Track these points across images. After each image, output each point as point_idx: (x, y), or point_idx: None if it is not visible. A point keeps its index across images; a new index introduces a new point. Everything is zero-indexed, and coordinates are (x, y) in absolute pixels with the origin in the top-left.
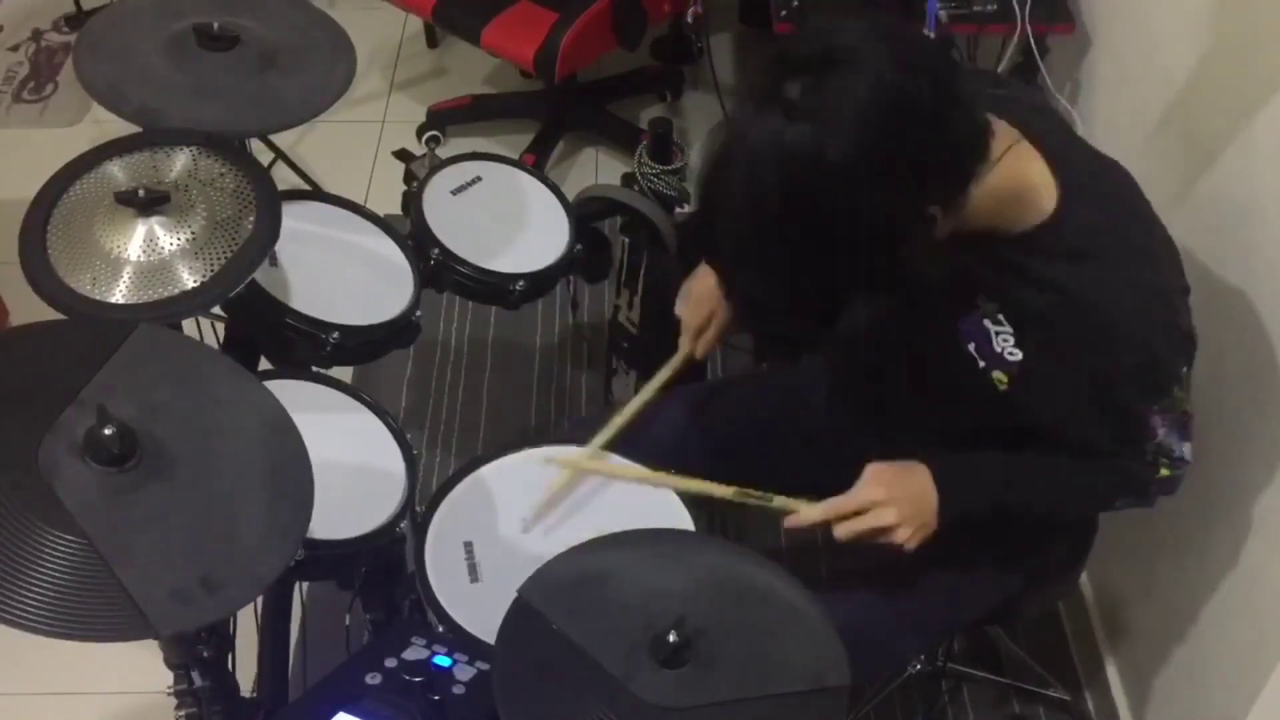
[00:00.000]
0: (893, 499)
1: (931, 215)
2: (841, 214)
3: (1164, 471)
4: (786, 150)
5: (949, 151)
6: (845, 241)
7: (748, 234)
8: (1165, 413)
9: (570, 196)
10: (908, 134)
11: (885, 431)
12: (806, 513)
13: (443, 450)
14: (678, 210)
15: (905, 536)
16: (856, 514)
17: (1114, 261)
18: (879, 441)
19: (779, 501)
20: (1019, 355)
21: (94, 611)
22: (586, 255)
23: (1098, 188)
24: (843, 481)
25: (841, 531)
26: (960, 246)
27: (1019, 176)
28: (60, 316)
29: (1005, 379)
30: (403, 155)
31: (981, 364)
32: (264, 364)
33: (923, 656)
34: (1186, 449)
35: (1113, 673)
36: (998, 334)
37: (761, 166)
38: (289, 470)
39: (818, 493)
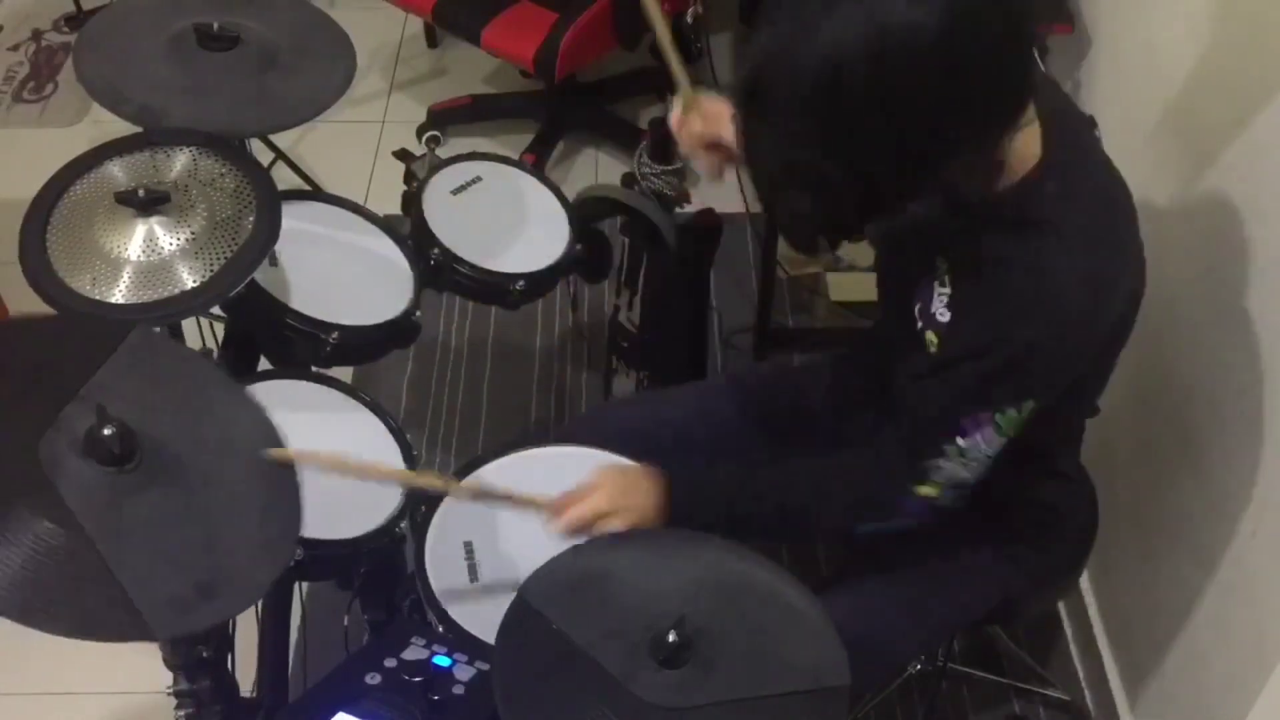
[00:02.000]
0: (619, 510)
1: (977, 140)
2: (919, 103)
3: (930, 490)
4: (885, 25)
5: (1022, 69)
6: (913, 143)
7: (814, 112)
8: (991, 428)
9: (570, 196)
10: (995, 40)
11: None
12: (557, 522)
13: (443, 450)
14: (678, 210)
15: (616, 524)
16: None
17: (1067, 238)
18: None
19: (519, 495)
20: (947, 316)
21: (91, 611)
22: (586, 255)
23: (1084, 172)
24: None
25: (559, 527)
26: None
27: (1021, 146)
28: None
29: (935, 340)
30: (403, 155)
31: (919, 324)
32: (264, 364)
33: (923, 656)
34: (968, 480)
35: (1113, 673)
36: (939, 294)
37: (853, 40)
38: (279, 482)
39: None
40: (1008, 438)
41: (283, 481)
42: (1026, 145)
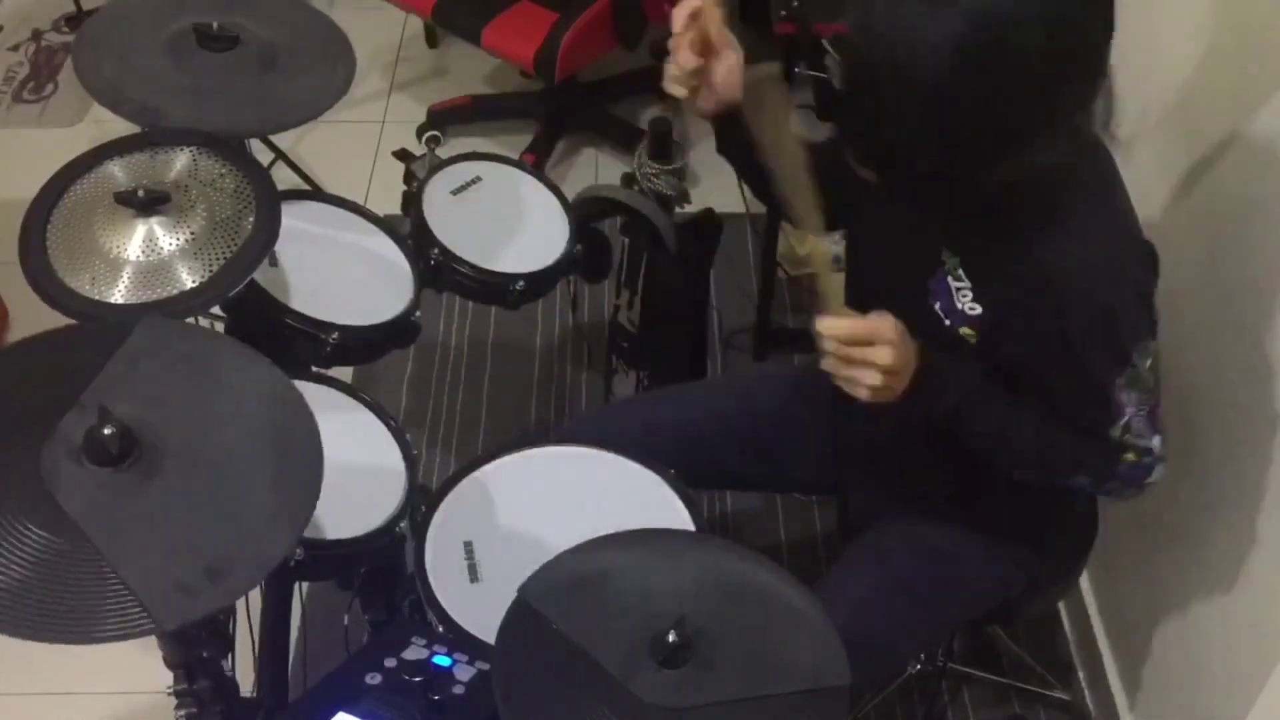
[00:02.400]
0: (896, 345)
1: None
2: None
3: (1130, 456)
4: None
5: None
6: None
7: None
8: (1130, 389)
9: (570, 196)
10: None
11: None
12: (835, 313)
13: (443, 450)
14: (678, 210)
15: (874, 384)
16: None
17: (1080, 211)
18: (880, 427)
19: (825, 285)
20: (979, 310)
21: (99, 614)
22: (586, 255)
23: (1084, 149)
24: (844, 478)
25: (837, 356)
26: (934, 195)
27: None
28: (60, 316)
29: (973, 334)
30: (403, 155)
31: (948, 322)
32: None
33: (922, 656)
34: (1157, 442)
35: (1113, 673)
36: (958, 289)
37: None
38: (296, 444)
39: (820, 492)
40: (1150, 387)
41: (299, 442)
42: None
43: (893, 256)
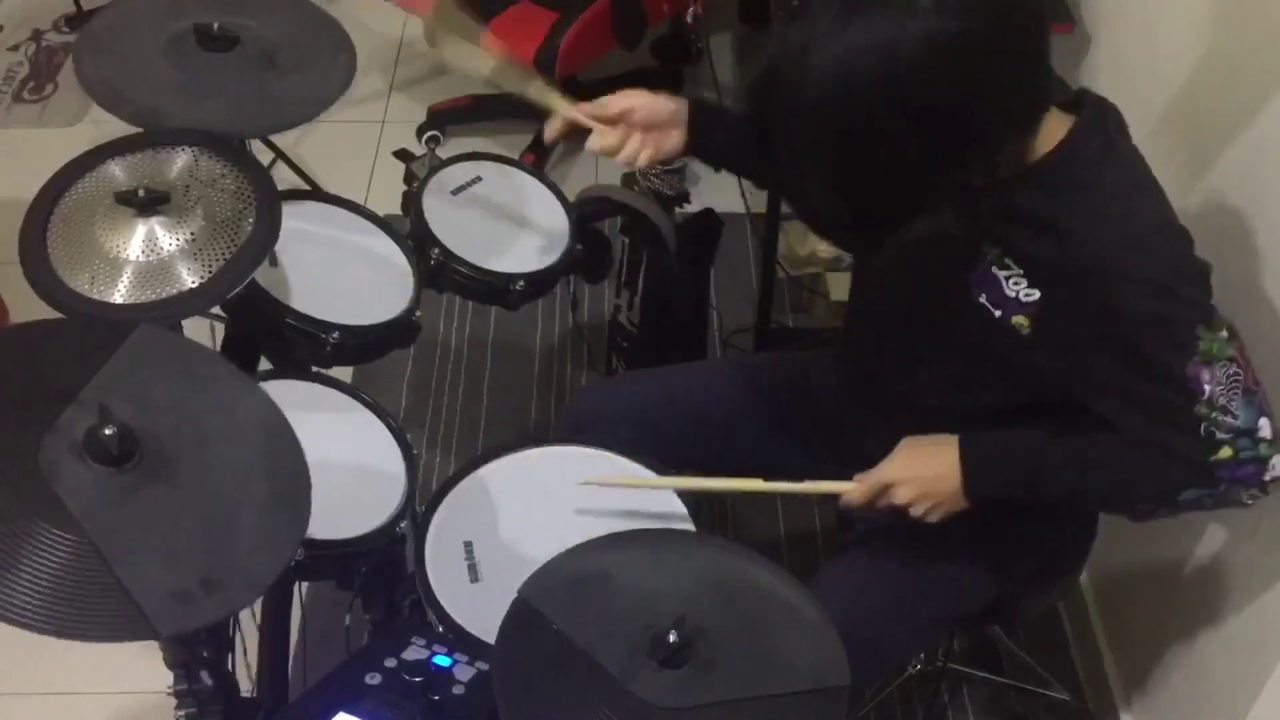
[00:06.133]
0: (908, 479)
1: (1006, 137)
2: (938, 117)
3: (1226, 452)
4: (894, 47)
5: (1040, 74)
6: (932, 151)
7: (824, 138)
8: (1207, 365)
9: (570, 196)
10: (1013, 44)
11: (901, 417)
12: (848, 493)
13: (443, 450)
14: (678, 210)
15: (920, 514)
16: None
17: (1115, 192)
18: (892, 427)
19: (812, 485)
20: (1035, 295)
21: (94, 611)
22: (586, 255)
23: (1108, 130)
24: (846, 470)
25: (866, 512)
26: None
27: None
28: (60, 316)
29: (1027, 322)
30: (403, 155)
31: (998, 313)
32: (264, 364)
33: (923, 656)
34: (1265, 425)
35: (1113, 673)
36: (1008, 278)
37: (860, 64)
38: (287, 473)
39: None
40: (1230, 357)
41: (289, 471)
42: (1052, 119)
43: (924, 255)
